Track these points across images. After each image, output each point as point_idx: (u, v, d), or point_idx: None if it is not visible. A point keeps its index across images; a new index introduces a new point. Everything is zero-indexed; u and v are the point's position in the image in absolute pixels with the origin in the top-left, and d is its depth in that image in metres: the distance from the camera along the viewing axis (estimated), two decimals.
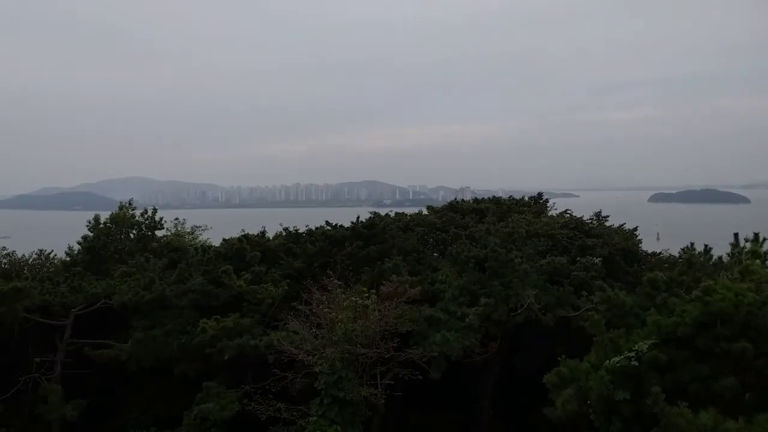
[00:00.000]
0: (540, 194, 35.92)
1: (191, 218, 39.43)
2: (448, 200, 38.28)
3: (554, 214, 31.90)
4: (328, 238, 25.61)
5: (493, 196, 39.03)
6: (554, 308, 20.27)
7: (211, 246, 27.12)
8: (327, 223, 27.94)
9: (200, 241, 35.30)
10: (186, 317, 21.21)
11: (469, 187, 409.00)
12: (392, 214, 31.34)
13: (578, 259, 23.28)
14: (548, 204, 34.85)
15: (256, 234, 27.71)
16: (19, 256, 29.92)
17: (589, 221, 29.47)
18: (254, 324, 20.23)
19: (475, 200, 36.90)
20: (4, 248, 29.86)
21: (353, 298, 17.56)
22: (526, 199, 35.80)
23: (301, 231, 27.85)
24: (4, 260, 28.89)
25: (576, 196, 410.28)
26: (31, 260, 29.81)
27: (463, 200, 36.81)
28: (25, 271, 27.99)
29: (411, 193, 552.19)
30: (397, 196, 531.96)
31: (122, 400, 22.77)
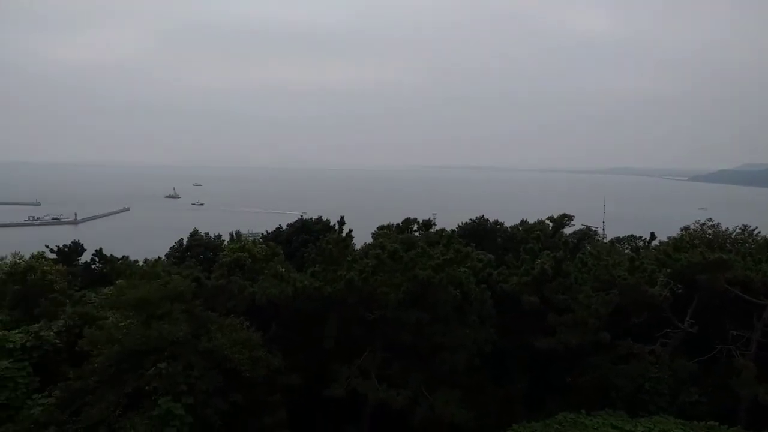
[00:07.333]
0: None
1: None
2: None
3: None
4: None
5: None
6: None
7: None
8: None
9: None
10: None
11: None
12: None
13: None
14: None
15: None
16: (723, 229, 30.93)
17: None
18: None
19: None
20: (710, 219, 31.49)
21: None
22: None
23: None
24: (709, 231, 30.50)
25: None
26: (734, 234, 30.32)
27: None
28: (727, 244, 28.66)
29: None
30: None
31: None
